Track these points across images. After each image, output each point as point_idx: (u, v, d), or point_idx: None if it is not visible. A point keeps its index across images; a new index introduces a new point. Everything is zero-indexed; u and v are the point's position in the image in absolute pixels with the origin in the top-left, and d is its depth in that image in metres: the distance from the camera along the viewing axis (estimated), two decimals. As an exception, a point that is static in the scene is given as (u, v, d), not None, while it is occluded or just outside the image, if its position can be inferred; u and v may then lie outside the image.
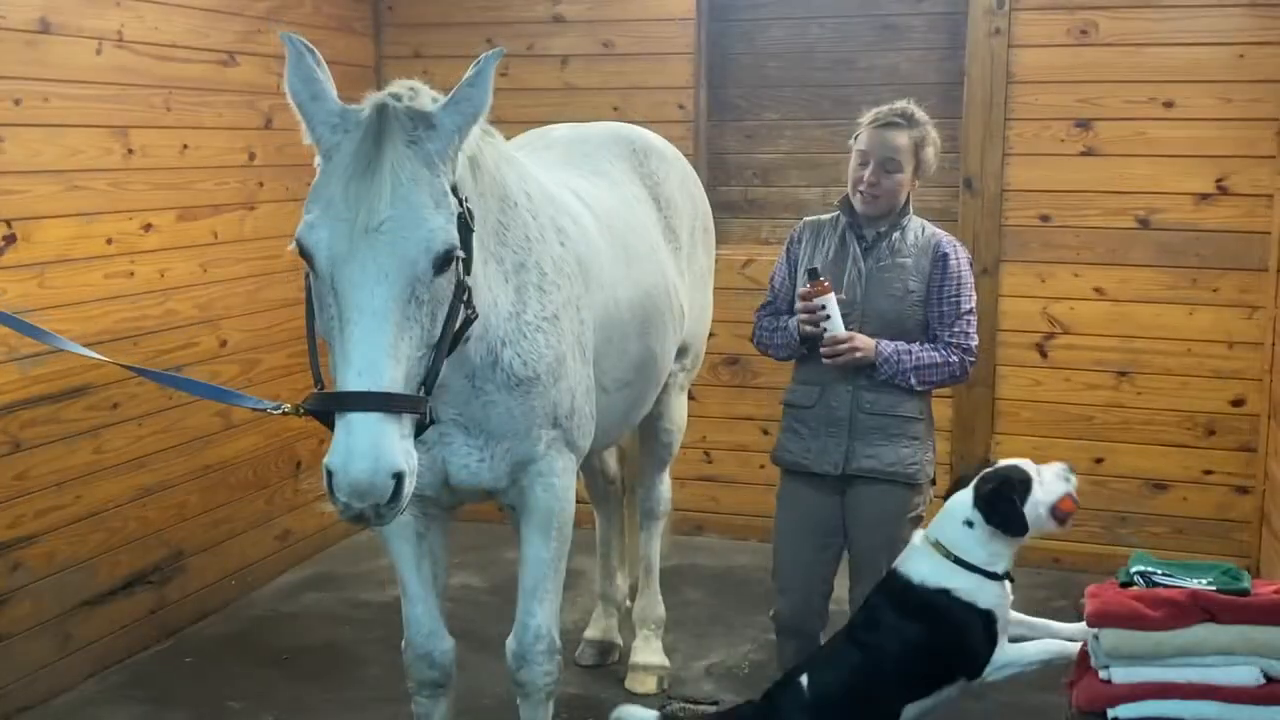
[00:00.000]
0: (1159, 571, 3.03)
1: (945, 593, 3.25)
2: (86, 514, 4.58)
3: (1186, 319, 5.45)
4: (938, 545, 3.29)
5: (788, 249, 3.89)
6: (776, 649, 3.93)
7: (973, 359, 3.71)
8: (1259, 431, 5.37)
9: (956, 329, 3.68)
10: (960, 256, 3.72)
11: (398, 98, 2.77)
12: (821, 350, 3.62)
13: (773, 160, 6.11)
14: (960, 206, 5.69)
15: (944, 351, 3.66)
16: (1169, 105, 5.37)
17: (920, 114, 3.71)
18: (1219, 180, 5.35)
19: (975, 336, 3.73)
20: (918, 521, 3.76)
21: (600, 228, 3.75)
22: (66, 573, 4.50)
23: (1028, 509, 3.20)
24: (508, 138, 3.78)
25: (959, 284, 3.69)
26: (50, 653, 4.45)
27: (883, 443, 3.67)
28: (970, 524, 3.26)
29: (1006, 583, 3.27)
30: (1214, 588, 2.92)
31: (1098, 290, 5.55)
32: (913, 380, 3.63)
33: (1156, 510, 5.60)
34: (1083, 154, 5.50)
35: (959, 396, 5.73)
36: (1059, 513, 3.19)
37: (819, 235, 3.83)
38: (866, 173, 3.66)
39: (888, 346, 3.61)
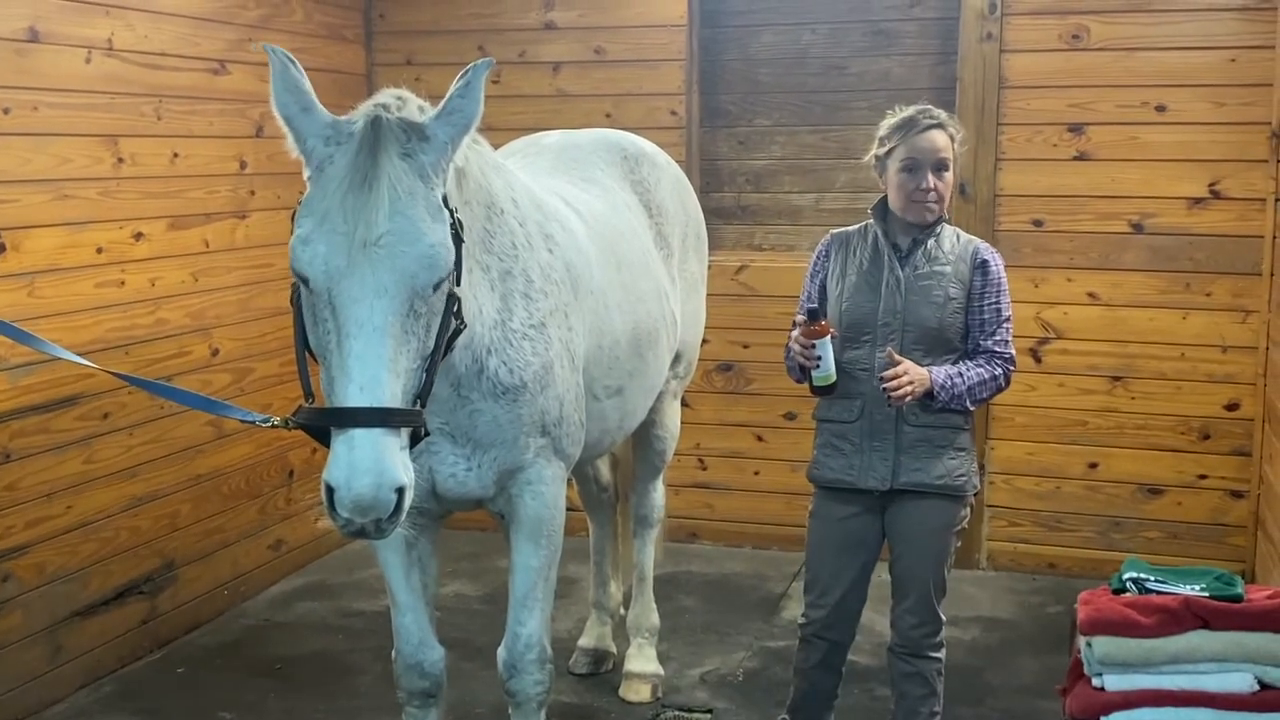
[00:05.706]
0: (1152, 578, 3.03)
1: None
2: (77, 524, 4.55)
3: (1180, 323, 5.45)
4: None
5: (814, 264, 3.74)
6: (798, 653, 3.78)
7: (1014, 368, 3.61)
8: (1253, 436, 5.36)
9: (999, 336, 3.57)
10: (999, 263, 3.62)
11: (387, 108, 2.75)
12: (883, 386, 3.45)
13: (765, 166, 6.11)
14: (953, 212, 5.66)
15: (989, 365, 3.54)
16: (1161, 110, 5.37)
17: (941, 111, 3.64)
18: (1212, 184, 5.35)
19: (1013, 345, 3.62)
20: (961, 535, 3.65)
21: (590, 234, 3.74)
22: (57, 583, 4.48)
23: None
24: (499, 145, 3.77)
25: (999, 291, 3.59)
26: (41, 663, 4.43)
27: (930, 455, 3.54)
28: None
29: None
30: (1207, 594, 2.92)
31: (1091, 295, 5.55)
32: (968, 402, 3.51)
33: (1150, 515, 5.58)
34: (1075, 159, 5.50)
35: (953, 402, 5.72)
36: None
37: (849, 247, 3.69)
38: (922, 181, 3.52)
39: (940, 373, 3.47)
